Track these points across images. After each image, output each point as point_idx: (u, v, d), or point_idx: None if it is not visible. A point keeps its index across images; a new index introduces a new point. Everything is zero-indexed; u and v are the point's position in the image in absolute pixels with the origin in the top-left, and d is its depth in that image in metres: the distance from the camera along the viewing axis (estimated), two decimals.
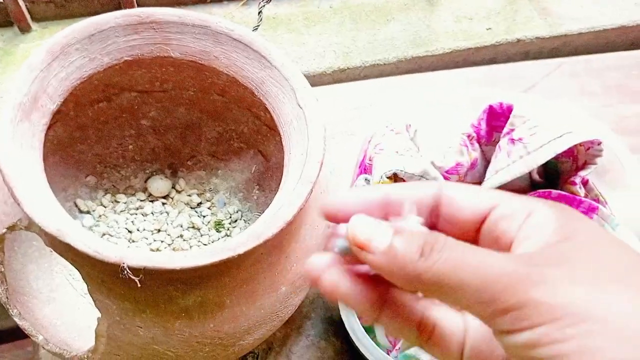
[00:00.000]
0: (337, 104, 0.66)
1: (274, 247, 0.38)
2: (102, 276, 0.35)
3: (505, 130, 0.50)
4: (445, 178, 0.54)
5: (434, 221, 0.24)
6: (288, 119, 0.42)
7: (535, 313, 0.19)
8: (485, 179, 0.51)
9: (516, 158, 0.48)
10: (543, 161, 0.47)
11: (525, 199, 0.23)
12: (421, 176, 0.43)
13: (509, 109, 0.50)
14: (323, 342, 0.52)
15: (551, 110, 0.54)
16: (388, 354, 0.43)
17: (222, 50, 0.44)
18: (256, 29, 0.50)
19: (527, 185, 0.54)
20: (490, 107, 0.52)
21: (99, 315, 0.37)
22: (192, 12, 0.44)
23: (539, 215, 0.22)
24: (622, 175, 0.52)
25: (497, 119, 0.52)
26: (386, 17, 0.74)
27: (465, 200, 0.24)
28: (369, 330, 0.44)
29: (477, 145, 0.53)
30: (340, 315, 0.47)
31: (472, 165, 0.53)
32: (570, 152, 0.52)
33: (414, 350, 0.38)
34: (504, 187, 0.53)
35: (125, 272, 0.31)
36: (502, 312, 0.20)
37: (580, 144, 0.51)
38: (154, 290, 0.35)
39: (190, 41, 0.44)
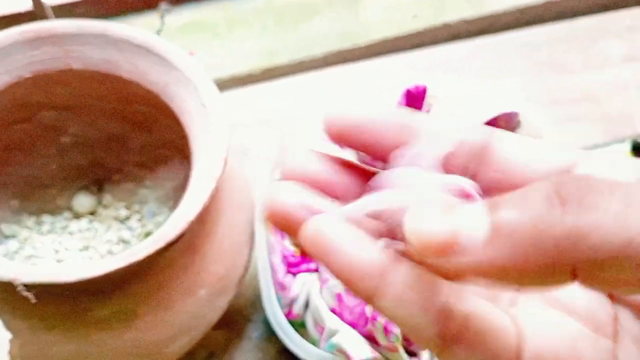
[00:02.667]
0: (261, 103, 0.66)
1: (186, 249, 0.38)
2: (4, 295, 0.34)
3: (423, 110, 0.51)
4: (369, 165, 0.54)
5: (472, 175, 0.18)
6: (193, 119, 0.41)
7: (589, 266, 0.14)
8: None
9: None
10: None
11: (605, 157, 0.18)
12: None
13: (424, 90, 0.51)
14: (265, 342, 0.51)
15: (467, 87, 0.55)
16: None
17: (125, 58, 0.44)
18: (159, 33, 0.50)
19: None
20: (407, 90, 0.52)
21: (10, 336, 0.35)
22: (92, 21, 0.44)
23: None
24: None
25: (416, 102, 0.52)
26: (311, 13, 0.74)
27: (529, 156, 0.18)
28: (301, 325, 0.44)
29: None
30: None
31: None
32: (493, 126, 0.53)
33: (336, 339, 0.38)
34: None
35: (21, 289, 0.31)
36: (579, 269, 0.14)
37: (500, 118, 0.51)
38: (61, 305, 0.34)
39: (92, 51, 0.44)
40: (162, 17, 0.50)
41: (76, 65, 0.44)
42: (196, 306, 0.39)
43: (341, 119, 0.18)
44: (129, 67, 0.44)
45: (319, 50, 0.71)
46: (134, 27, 0.43)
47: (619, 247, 0.13)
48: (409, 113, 0.19)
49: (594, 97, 0.72)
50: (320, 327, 0.41)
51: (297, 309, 0.43)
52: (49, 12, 0.64)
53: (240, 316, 0.52)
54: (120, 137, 0.54)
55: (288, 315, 0.43)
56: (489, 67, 0.73)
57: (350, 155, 0.18)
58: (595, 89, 0.73)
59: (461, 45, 0.75)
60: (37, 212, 0.53)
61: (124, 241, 0.53)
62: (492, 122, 0.51)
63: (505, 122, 0.52)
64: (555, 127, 0.69)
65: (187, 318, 0.39)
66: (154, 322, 0.37)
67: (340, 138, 0.18)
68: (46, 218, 0.53)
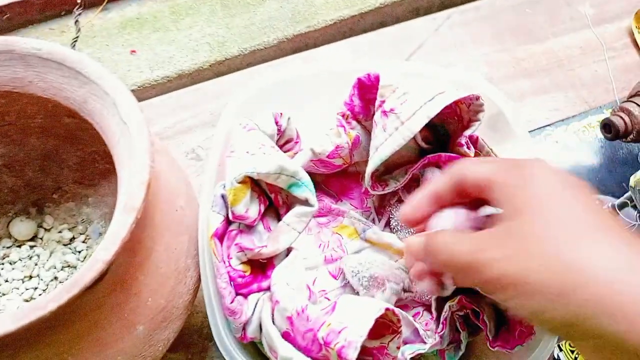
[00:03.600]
0: (216, 99, 0.61)
1: (114, 285, 0.34)
2: None
3: (377, 103, 0.47)
4: (328, 164, 0.50)
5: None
6: (116, 137, 0.37)
7: (486, 287, 0.28)
8: (369, 157, 0.48)
9: (392, 131, 0.45)
10: (418, 129, 0.44)
11: (504, 168, 0.30)
12: (279, 173, 0.39)
13: (377, 79, 0.47)
14: None
15: (426, 73, 0.50)
16: None
17: (36, 73, 0.39)
18: (75, 41, 0.45)
19: (414, 154, 0.51)
20: (359, 80, 0.48)
21: None
22: None
23: (508, 187, 0.29)
24: (507, 125, 0.49)
25: (369, 92, 0.48)
26: None
27: (470, 175, 0.31)
28: (259, 343, 0.41)
29: (354, 122, 0.50)
30: None
31: (354, 144, 0.50)
32: (454, 112, 0.49)
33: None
34: (391, 160, 0.50)
35: None
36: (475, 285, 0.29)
37: (461, 102, 0.47)
38: None
39: None
40: (76, 22, 0.46)
41: None
42: (136, 344, 0.36)
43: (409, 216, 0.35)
44: (41, 84, 0.40)
45: (272, 36, 0.67)
46: (40, 40, 0.39)
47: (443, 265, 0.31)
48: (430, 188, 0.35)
49: (565, 64, 0.68)
50: (275, 352, 0.38)
51: (251, 332, 0.40)
52: None
53: (198, 336, 0.49)
54: (53, 154, 0.50)
55: (243, 339, 0.40)
56: (454, 40, 0.69)
57: None
58: (566, 55, 0.69)
59: (424, 20, 0.70)
60: None
61: (70, 266, 0.49)
62: (453, 107, 0.48)
63: (467, 105, 0.48)
64: (525, 100, 0.65)
65: (127, 358, 0.36)
66: None
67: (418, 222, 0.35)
68: None
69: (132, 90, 0.61)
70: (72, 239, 0.51)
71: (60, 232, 0.50)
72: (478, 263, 0.27)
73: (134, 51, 0.64)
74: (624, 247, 0.25)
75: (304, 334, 0.36)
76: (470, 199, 0.32)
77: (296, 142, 0.50)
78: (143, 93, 0.62)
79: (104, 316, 0.34)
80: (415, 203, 0.34)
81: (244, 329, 0.40)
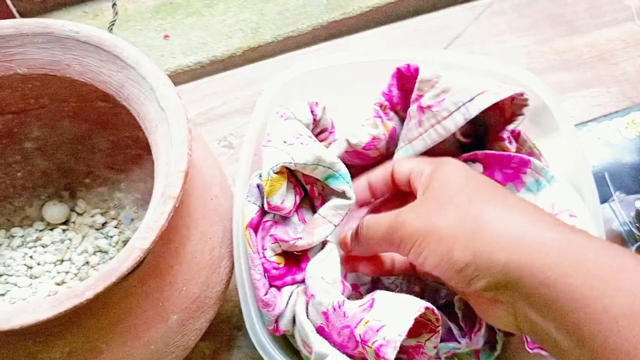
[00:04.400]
0: (248, 87, 0.60)
1: (149, 274, 0.34)
2: None
3: (413, 96, 0.45)
4: (364, 156, 0.49)
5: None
6: (153, 124, 0.36)
7: (403, 245, 0.33)
8: (397, 147, 0.47)
9: (427, 127, 0.44)
10: (455, 129, 0.42)
11: (422, 163, 0.39)
12: (316, 164, 0.38)
13: (417, 71, 0.45)
14: (256, 352, 0.47)
15: (468, 64, 0.49)
16: None
17: (73, 57, 0.39)
18: (112, 25, 0.44)
19: (454, 148, 0.49)
20: (398, 70, 0.46)
21: None
22: (32, 19, 0.39)
23: (423, 175, 0.37)
24: (552, 119, 0.47)
25: (408, 83, 0.47)
26: None
27: (397, 169, 0.41)
28: (293, 336, 0.40)
29: (392, 113, 0.48)
30: None
31: (392, 135, 0.48)
32: (496, 106, 0.47)
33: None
34: (430, 151, 0.48)
35: None
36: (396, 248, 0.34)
37: (505, 100, 0.46)
38: (6, 350, 0.30)
39: (35, 53, 0.39)
40: (113, 5, 0.45)
41: (21, 68, 0.39)
42: (168, 333, 0.36)
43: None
44: (78, 68, 0.39)
45: (306, 23, 0.65)
46: (79, 23, 0.38)
47: (371, 237, 0.37)
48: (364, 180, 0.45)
49: (608, 57, 0.65)
50: (309, 347, 0.37)
51: (284, 325, 0.39)
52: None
53: (227, 325, 0.49)
54: (85, 138, 0.49)
55: (275, 331, 0.39)
56: (493, 30, 0.66)
57: None
58: (609, 49, 0.66)
59: (462, 8, 0.68)
60: (7, 226, 0.49)
61: (102, 251, 0.49)
62: (497, 103, 0.46)
63: (510, 99, 0.46)
64: (566, 94, 0.63)
65: (159, 347, 0.35)
66: (118, 358, 0.33)
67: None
68: (16, 231, 0.49)
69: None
70: (104, 224, 0.50)
71: (92, 216, 0.50)
72: (397, 223, 0.33)
73: (167, 36, 0.63)
74: (511, 207, 0.32)
75: (340, 330, 0.35)
76: (400, 191, 0.41)
77: (330, 132, 0.49)
78: (176, 79, 0.61)
79: (137, 304, 0.34)
80: (355, 188, 0.41)
81: (276, 321, 0.39)
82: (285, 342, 0.43)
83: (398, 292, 0.46)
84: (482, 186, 0.34)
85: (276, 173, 0.37)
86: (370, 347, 0.32)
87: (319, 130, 0.49)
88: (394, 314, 0.33)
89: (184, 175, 0.32)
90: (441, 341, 0.45)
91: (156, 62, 0.61)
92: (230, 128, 0.56)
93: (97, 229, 0.50)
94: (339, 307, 0.35)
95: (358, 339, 0.33)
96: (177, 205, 0.32)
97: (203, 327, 0.39)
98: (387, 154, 0.51)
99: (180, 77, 0.61)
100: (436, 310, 0.35)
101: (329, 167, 0.39)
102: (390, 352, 0.31)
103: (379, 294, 0.36)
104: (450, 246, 0.30)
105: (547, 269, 0.28)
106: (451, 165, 0.36)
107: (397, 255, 0.42)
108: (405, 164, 0.40)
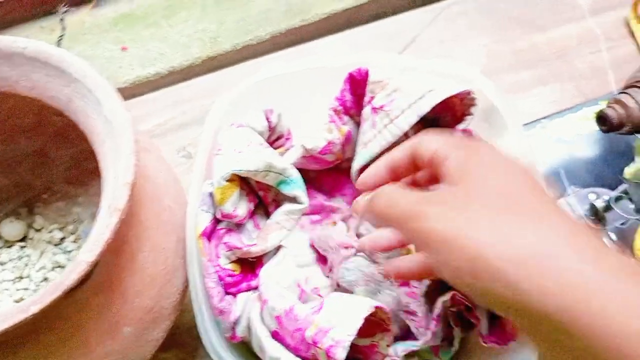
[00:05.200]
0: (208, 96, 0.61)
1: (100, 287, 0.34)
2: None
3: (366, 99, 0.46)
4: (321, 161, 0.49)
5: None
6: (101, 137, 0.37)
7: (419, 241, 0.29)
8: (356, 152, 0.47)
9: (381, 128, 0.44)
10: (408, 127, 0.43)
11: (450, 144, 0.31)
12: (267, 170, 0.39)
13: (367, 74, 0.46)
14: None
15: (418, 66, 0.50)
16: None
17: (21, 72, 0.39)
18: (60, 39, 0.45)
19: None
20: (350, 75, 0.47)
21: None
22: None
23: (450, 161, 0.30)
24: (501, 119, 0.49)
25: (361, 87, 0.47)
26: None
27: (424, 146, 0.32)
28: (249, 342, 0.41)
29: (347, 117, 0.49)
30: None
31: (347, 139, 0.49)
32: (447, 106, 0.48)
33: None
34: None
35: None
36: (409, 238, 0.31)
37: (454, 96, 0.47)
38: None
39: None
40: (61, 20, 0.45)
41: None
42: (123, 346, 0.36)
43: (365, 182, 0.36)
44: (26, 84, 0.39)
45: (265, 30, 0.66)
46: (26, 39, 0.38)
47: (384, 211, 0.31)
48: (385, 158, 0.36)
49: (563, 55, 0.67)
50: (264, 353, 0.37)
51: (240, 331, 0.39)
52: None
53: (190, 336, 0.49)
54: (42, 153, 0.49)
55: (232, 338, 0.40)
56: (452, 32, 0.68)
57: None
58: (564, 46, 0.68)
59: (422, 11, 0.69)
60: None
61: (61, 266, 0.49)
62: (446, 101, 0.47)
63: (460, 99, 0.47)
64: (526, 92, 0.64)
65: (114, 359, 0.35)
66: None
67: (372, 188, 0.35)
68: None
69: (124, 88, 0.61)
70: (62, 239, 0.50)
71: (50, 232, 0.50)
72: (417, 213, 0.28)
73: (125, 48, 0.63)
74: (568, 233, 0.25)
75: (293, 333, 0.35)
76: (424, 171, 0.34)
77: (287, 139, 0.50)
78: (134, 90, 0.61)
79: (89, 318, 0.34)
80: (373, 170, 0.35)
81: (233, 328, 0.39)
82: (246, 349, 0.43)
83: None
84: (526, 193, 0.27)
85: (227, 181, 0.37)
86: (321, 349, 0.33)
87: (276, 137, 0.49)
88: (343, 315, 0.34)
89: (130, 188, 0.33)
90: (399, 339, 0.46)
91: (114, 74, 0.61)
92: (189, 138, 0.57)
93: (55, 245, 0.50)
94: (291, 310, 0.35)
95: (309, 341, 0.34)
96: (123, 218, 0.32)
97: (160, 338, 0.39)
98: (345, 158, 0.51)
99: (139, 89, 0.62)
100: (387, 309, 0.35)
101: (280, 173, 0.39)
102: (340, 353, 0.32)
103: (330, 296, 0.37)
104: (482, 270, 0.25)
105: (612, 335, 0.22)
106: (488, 154, 0.30)
107: None
108: (431, 142, 0.32)
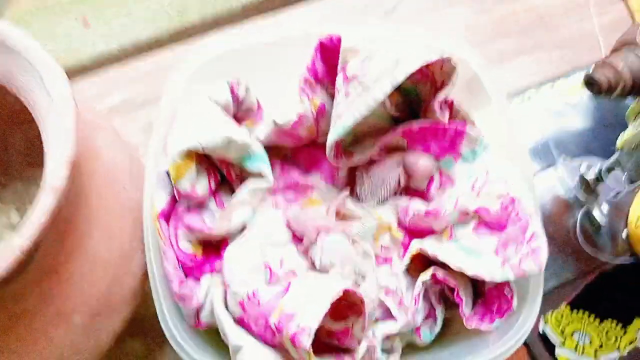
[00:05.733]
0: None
1: (42, 275, 0.31)
2: None
3: (339, 68, 0.43)
4: (294, 136, 0.47)
5: None
6: (43, 112, 0.34)
7: None
8: (331, 125, 0.44)
9: (354, 98, 0.41)
10: (383, 97, 0.40)
11: None
12: (227, 145, 0.36)
13: (339, 41, 0.43)
14: None
15: (397, 35, 0.47)
16: None
17: None
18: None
19: (386, 122, 0.48)
20: (321, 43, 0.44)
21: None
22: None
23: None
24: (484, 90, 0.46)
25: (333, 55, 0.44)
26: None
27: None
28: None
29: (319, 89, 0.46)
30: None
31: (320, 113, 0.46)
32: (426, 75, 0.45)
33: (240, 357, 0.32)
34: (359, 129, 0.46)
35: None
36: None
37: (432, 64, 0.44)
38: None
39: None
40: None
41: None
42: (72, 335, 0.33)
43: None
44: None
45: (235, 1, 0.62)
46: None
47: None
48: None
49: (548, 22, 0.64)
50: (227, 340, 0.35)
51: (205, 317, 0.37)
52: None
53: (159, 323, 0.46)
54: None
55: (197, 325, 0.37)
56: (431, 3, 0.64)
57: None
58: (549, 13, 0.64)
59: None
60: None
61: None
62: (425, 70, 0.44)
63: (439, 67, 0.44)
64: (508, 62, 0.61)
65: (63, 350, 0.33)
66: None
67: None
68: None
69: (88, 64, 0.58)
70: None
71: (8, 215, 0.47)
72: None
73: (88, 24, 0.60)
74: None
75: (257, 319, 0.33)
76: None
77: (257, 113, 0.47)
78: (99, 66, 0.58)
79: (32, 306, 0.31)
80: None
81: (197, 314, 0.37)
82: (215, 335, 0.41)
83: None
84: None
85: (182, 157, 0.34)
86: (285, 336, 0.30)
87: (244, 111, 0.46)
88: (310, 299, 0.31)
89: (69, 165, 0.30)
90: (378, 321, 0.43)
91: (77, 50, 0.58)
92: (154, 115, 0.54)
93: (13, 228, 0.47)
94: (254, 295, 0.33)
95: (273, 327, 0.31)
96: (65, 198, 0.29)
97: (116, 326, 0.36)
98: (319, 132, 0.48)
99: (103, 65, 0.58)
100: (359, 293, 0.33)
101: (242, 148, 0.36)
102: (306, 340, 0.30)
103: (297, 279, 0.34)
104: None
105: None
106: None
107: None
108: None
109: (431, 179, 0.46)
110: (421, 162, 0.45)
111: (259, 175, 0.37)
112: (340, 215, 0.47)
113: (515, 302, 0.39)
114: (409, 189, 0.48)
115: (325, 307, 0.30)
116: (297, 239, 0.48)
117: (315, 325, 0.30)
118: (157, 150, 0.38)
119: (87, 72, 0.57)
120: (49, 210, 0.28)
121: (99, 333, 0.35)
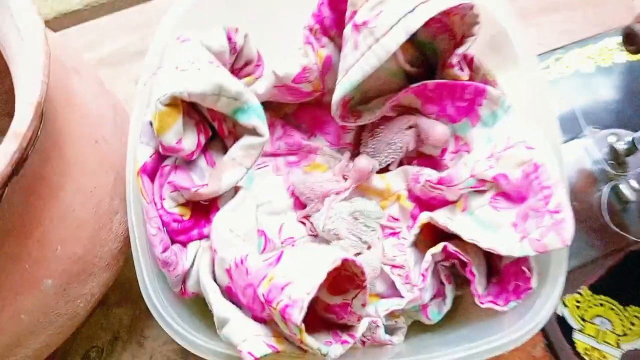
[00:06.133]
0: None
1: (8, 235, 0.28)
2: None
3: (347, 14, 0.38)
4: (296, 91, 0.43)
5: None
6: (13, 51, 0.30)
7: None
8: (337, 81, 0.40)
9: (365, 49, 0.37)
10: (395, 47, 0.35)
11: None
12: (217, 94, 0.32)
13: None
14: None
15: None
16: None
17: None
18: None
19: (400, 80, 0.43)
20: None
21: None
22: None
23: None
24: (511, 47, 0.41)
25: (342, 2, 0.40)
26: None
27: None
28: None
29: (326, 39, 0.42)
30: None
31: (326, 66, 0.42)
32: (445, 26, 0.41)
33: (226, 331, 0.29)
34: (369, 86, 0.42)
35: None
36: None
37: (452, 13, 0.39)
38: None
39: None
40: None
41: None
42: (44, 301, 0.30)
43: None
44: None
45: None
46: None
47: None
48: None
49: None
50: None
51: (191, 286, 0.34)
52: None
53: None
54: None
55: (183, 294, 0.34)
56: None
57: None
58: None
59: None
60: None
61: None
62: (444, 20, 0.40)
63: (460, 17, 0.40)
64: (532, 19, 0.56)
65: (35, 317, 0.30)
66: None
67: None
68: None
69: (79, 10, 0.54)
70: None
71: None
72: None
73: None
74: None
75: (244, 289, 0.29)
76: None
77: (257, 65, 0.43)
78: (91, 14, 0.54)
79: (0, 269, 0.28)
80: None
81: (183, 282, 0.34)
82: (202, 305, 0.38)
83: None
84: None
85: (166, 105, 0.30)
86: (275, 309, 0.27)
87: (243, 63, 0.42)
88: (303, 268, 0.28)
89: (35, 109, 0.26)
90: (383, 298, 0.40)
91: None
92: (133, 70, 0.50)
93: None
94: (242, 262, 0.29)
95: (262, 299, 0.28)
96: (25, 145, 0.25)
97: (95, 291, 0.33)
98: (325, 89, 0.44)
99: (95, 12, 0.54)
100: (358, 262, 0.29)
101: (234, 98, 0.32)
102: (297, 314, 0.26)
103: (291, 247, 0.31)
104: None
105: None
106: None
107: None
108: None
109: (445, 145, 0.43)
110: (439, 129, 0.41)
111: (254, 130, 0.33)
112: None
113: (534, 282, 0.35)
114: (420, 155, 0.44)
115: (321, 277, 0.27)
116: (300, 206, 0.44)
117: (308, 298, 0.26)
118: (142, 99, 0.34)
119: (77, 19, 0.53)
120: (9, 159, 0.25)
121: (75, 298, 0.31)
